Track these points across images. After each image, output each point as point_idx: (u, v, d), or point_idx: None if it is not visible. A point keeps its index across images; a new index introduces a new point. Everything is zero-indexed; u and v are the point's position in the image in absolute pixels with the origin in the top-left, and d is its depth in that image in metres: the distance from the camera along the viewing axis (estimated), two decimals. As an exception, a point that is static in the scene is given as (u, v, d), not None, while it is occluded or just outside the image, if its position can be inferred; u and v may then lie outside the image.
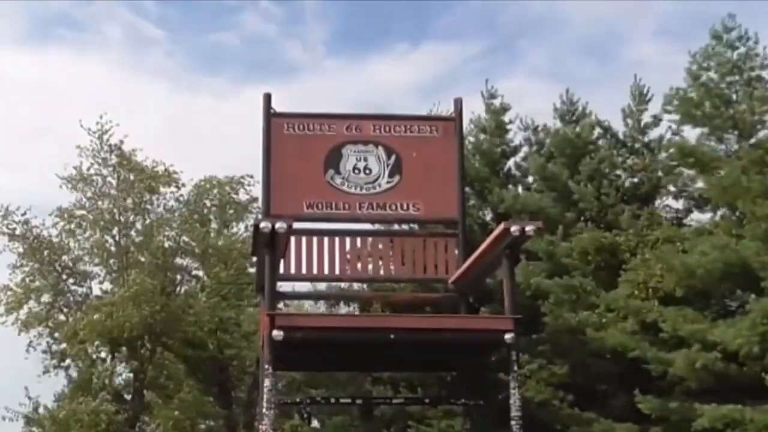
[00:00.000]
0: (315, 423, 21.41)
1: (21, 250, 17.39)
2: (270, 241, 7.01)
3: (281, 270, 8.71)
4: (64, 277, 17.63)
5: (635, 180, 12.15)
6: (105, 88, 32.12)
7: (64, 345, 17.46)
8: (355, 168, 9.73)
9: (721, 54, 10.83)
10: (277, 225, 6.75)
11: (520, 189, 13.12)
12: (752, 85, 10.68)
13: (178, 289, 17.76)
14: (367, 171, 9.75)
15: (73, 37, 34.34)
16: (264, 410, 6.99)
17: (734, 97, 10.86)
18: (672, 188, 11.72)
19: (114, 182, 17.25)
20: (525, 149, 13.70)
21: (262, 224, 6.79)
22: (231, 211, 18.34)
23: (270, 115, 9.69)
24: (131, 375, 17.56)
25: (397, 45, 37.35)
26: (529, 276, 10.58)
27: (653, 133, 12.34)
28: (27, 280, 17.35)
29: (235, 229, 18.44)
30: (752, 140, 10.73)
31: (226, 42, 35.30)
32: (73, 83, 31.91)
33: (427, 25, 34.29)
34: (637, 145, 12.52)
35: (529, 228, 7.10)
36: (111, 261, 17.21)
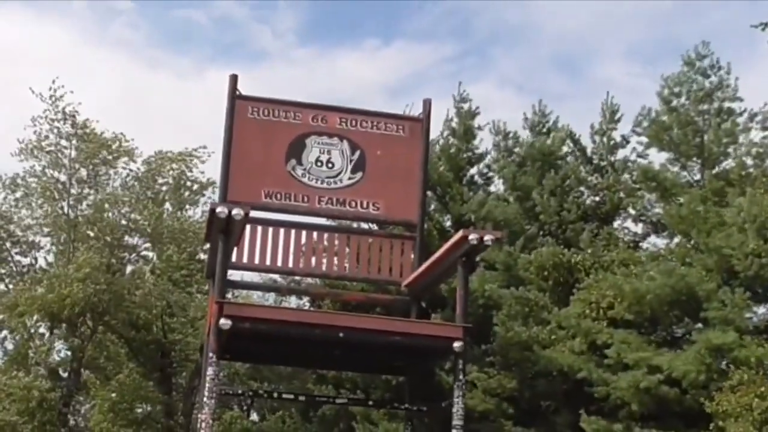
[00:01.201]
0: (254, 416, 21.39)
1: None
2: (225, 227, 6.99)
3: (234, 258, 8.69)
4: (8, 245, 17.37)
5: (597, 198, 12.31)
6: (63, 55, 31.70)
7: (1, 316, 17.17)
8: (317, 160, 9.70)
9: (693, 81, 11.02)
10: (234, 211, 6.73)
11: (482, 194, 13.17)
12: (721, 116, 10.89)
13: (125, 268, 17.56)
14: (330, 165, 9.73)
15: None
16: (205, 399, 6.98)
17: (703, 125, 11.06)
18: (632, 211, 11.89)
19: (68, 152, 17.00)
20: (490, 157, 13.80)
21: (218, 209, 6.76)
22: (187, 193, 18.17)
23: (235, 97, 9.63)
24: (69, 353, 17.33)
25: (368, 40, 37.38)
26: (483, 283, 10.67)
27: (620, 153, 12.54)
28: None
29: (191, 212, 18.28)
30: (715, 170, 10.93)
31: (194, 19, 35.00)
32: (30, 45, 31.41)
33: (400, 23, 34.38)
34: (603, 163, 12.69)
35: (487, 237, 7.16)
36: (58, 232, 16.94)
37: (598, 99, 12.96)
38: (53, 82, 16.68)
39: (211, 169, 18.09)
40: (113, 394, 16.94)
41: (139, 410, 18.40)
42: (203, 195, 18.07)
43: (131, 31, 34.28)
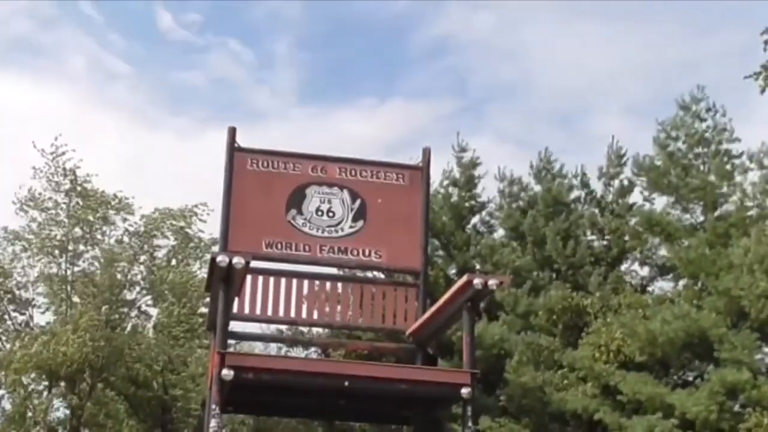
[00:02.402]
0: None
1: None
2: (226, 276, 6.98)
3: (235, 309, 8.66)
4: (5, 302, 17.38)
5: (604, 243, 12.35)
6: (63, 118, 32.07)
7: (-2, 375, 17.11)
8: (318, 210, 9.68)
9: (689, 125, 11.13)
10: (235, 260, 6.72)
11: (495, 237, 13.23)
12: (719, 158, 10.98)
13: (124, 322, 17.56)
14: (331, 214, 9.71)
15: (34, 64, 34.26)
16: None
17: (701, 168, 11.14)
18: (638, 254, 11.94)
19: (66, 208, 17.09)
20: (493, 205, 13.89)
21: (219, 258, 6.75)
22: (191, 245, 18.21)
23: (233, 149, 9.65)
24: (68, 411, 17.23)
25: (366, 99, 37.79)
26: (492, 328, 10.66)
27: (627, 197, 12.60)
28: None
29: (193, 267, 18.30)
30: (717, 212, 10.98)
31: (192, 81, 35.42)
32: (30, 110, 31.76)
33: (396, 82, 34.82)
34: (609, 208, 12.76)
35: (492, 282, 7.14)
36: (55, 289, 16.98)
37: (597, 153, 13.15)
38: (55, 138, 16.89)
39: (212, 226, 18.22)
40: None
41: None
42: (206, 252, 18.15)
43: (129, 94, 34.70)
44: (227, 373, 6.77)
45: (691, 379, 10.06)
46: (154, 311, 17.90)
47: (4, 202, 17.58)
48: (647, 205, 11.46)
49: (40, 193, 17.01)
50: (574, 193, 12.68)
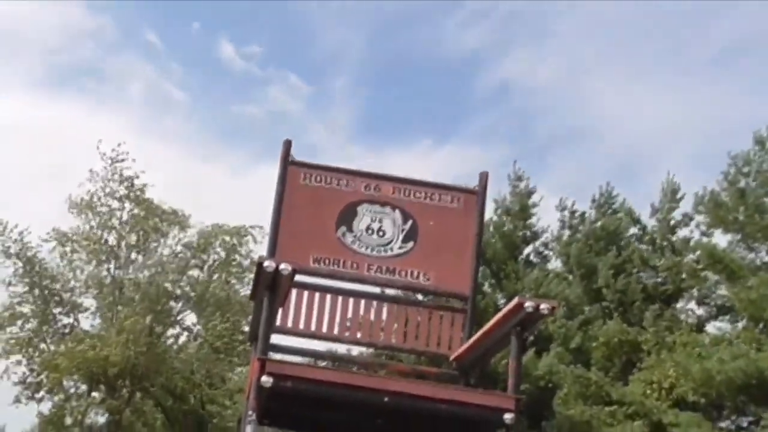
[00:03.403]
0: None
1: (13, 269, 17.39)
2: (272, 283, 6.97)
3: (278, 322, 8.63)
4: (53, 305, 17.57)
5: (659, 280, 12.14)
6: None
7: (41, 377, 17.29)
8: (368, 228, 9.64)
9: (763, 160, 10.88)
10: (282, 266, 6.73)
11: (538, 272, 13.10)
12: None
13: (166, 332, 17.65)
14: (381, 233, 9.67)
15: (94, 89, 34.85)
16: None
17: (771, 206, 10.89)
18: (695, 293, 11.69)
19: (120, 215, 17.30)
20: (547, 235, 13.77)
21: (266, 263, 6.75)
22: (237, 261, 18.29)
23: (287, 162, 9.67)
24: (106, 417, 17.31)
25: (422, 140, 37.84)
26: (541, 360, 10.47)
27: (682, 232, 12.41)
28: (14, 302, 17.29)
29: (238, 286, 18.40)
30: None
31: (249, 114, 35.76)
32: (87, 134, 32.30)
33: (456, 124, 34.78)
34: (664, 243, 12.55)
35: (543, 306, 7.03)
36: (105, 293, 17.13)
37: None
38: (118, 145, 17.15)
39: (264, 249, 18.26)
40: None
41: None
42: (249, 273, 18.24)
43: (185, 123, 35.19)
44: (266, 380, 6.73)
45: (745, 425, 9.77)
46: (195, 326, 17.97)
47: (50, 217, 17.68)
48: (708, 241, 11.24)
49: (97, 197, 17.21)
50: (630, 230, 12.55)
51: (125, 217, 17.35)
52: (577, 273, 12.07)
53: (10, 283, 17.50)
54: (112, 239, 17.35)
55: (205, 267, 17.90)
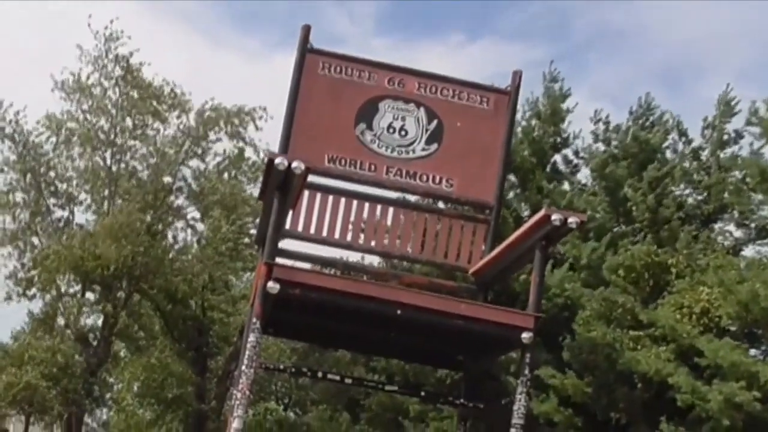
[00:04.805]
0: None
1: (6, 153, 17.47)
2: (283, 182, 6.99)
3: (288, 225, 8.77)
4: (47, 195, 17.76)
5: (700, 198, 12.20)
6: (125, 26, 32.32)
7: (32, 273, 17.60)
8: (390, 126, 9.61)
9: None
10: (294, 164, 6.74)
11: (567, 185, 13.19)
12: None
13: (167, 231, 17.85)
14: (403, 132, 9.64)
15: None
16: (243, 368, 6.94)
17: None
18: (736, 213, 11.77)
19: (114, 97, 17.21)
20: (579, 143, 13.78)
21: (277, 160, 6.75)
22: (244, 162, 18.34)
23: (305, 49, 9.59)
24: (101, 320, 17.69)
25: (453, 35, 37.15)
26: (563, 281, 10.66)
27: (730, 151, 12.39)
28: (6, 189, 17.47)
29: (247, 189, 18.46)
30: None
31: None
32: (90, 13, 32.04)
33: (490, 19, 34.10)
34: (710, 160, 12.57)
35: (572, 219, 7.11)
36: (98, 185, 17.21)
37: (700, 118, 12.80)
38: (111, 21, 17.02)
39: (270, 136, 18.32)
40: (144, 374, 17.23)
41: (170, 394, 18.69)
42: (260, 173, 18.33)
43: (200, 7, 34.80)
44: (273, 286, 6.81)
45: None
46: (197, 223, 18.12)
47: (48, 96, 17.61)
48: (758, 158, 11.22)
49: (88, 78, 17.09)
50: (671, 144, 12.58)
51: (119, 99, 17.28)
52: (606, 188, 12.13)
53: (2, 170, 17.64)
54: (105, 124, 17.31)
55: (212, 162, 17.98)
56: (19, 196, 17.71)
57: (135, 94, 17.11)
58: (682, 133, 12.85)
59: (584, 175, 13.36)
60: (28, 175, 17.31)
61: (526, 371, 7.25)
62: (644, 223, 11.94)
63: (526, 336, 7.16)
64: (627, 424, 10.32)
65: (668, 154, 12.72)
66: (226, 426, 7.89)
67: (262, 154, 18.45)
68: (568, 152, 13.75)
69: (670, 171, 12.22)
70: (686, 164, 12.44)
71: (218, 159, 18.06)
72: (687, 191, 12.38)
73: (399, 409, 11.73)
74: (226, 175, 18.39)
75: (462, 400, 8.64)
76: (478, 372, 9.06)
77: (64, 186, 17.94)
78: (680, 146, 12.86)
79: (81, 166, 17.60)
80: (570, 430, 10.15)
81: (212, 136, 17.90)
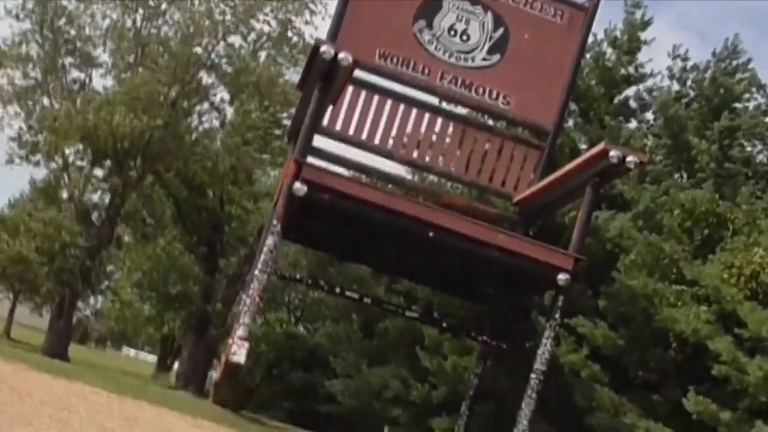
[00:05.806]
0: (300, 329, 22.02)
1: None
2: (326, 73, 6.98)
3: (325, 122, 8.90)
4: (63, 52, 17.74)
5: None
6: None
7: (39, 136, 17.73)
8: (451, 28, 9.56)
9: None
10: (341, 55, 6.71)
11: (634, 123, 13.24)
12: None
13: (192, 110, 17.84)
14: (465, 37, 9.59)
15: None
16: (257, 272, 6.99)
17: None
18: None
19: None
20: (654, 81, 13.76)
21: (323, 48, 6.73)
22: (288, 49, 18.20)
23: (368, -71, 9.56)
24: (107, 199, 17.80)
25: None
26: (610, 222, 10.79)
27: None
28: (18, 39, 17.34)
29: (286, 70, 18.35)
30: None
31: None
32: None
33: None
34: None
35: (631, 158, 7.15)
36: (123, 48, 17.04)
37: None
38: None
39: (321, 33, 18.22)
40: (147, 263, 17.43)
41: (172, 287, 18.97)
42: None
43: None
44: (300, 187, 6.90)
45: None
46: (225, 106, 18.06)
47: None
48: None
49: None
50: (747, 95, 12.53)
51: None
52: (668, 130, 12.14)
53: (17, 17, 17.57)
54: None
55: (250, 38, 17.89)
56: (33, 50, 17.66)
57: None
58: (760, 86, 12.81)
59: (651, 116, 13.38)
60: (45, 27, 17.24)
61: (557, 315, 7.36)
62: (706, 173, 11.99)
63: (562, 278, 7.24)
64: (657, 385, 10.54)
65: (744, 105, 12.72)
66: (229, 333, 8.05)
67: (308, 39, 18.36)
68: (641, 88, 13.76)
69: (746, 124, 12.22)
70: (764, 119, 12.43)
71: (256, 38, 17.92)
72: (758, 148, 12.40)
73: (416, 337, 12.02)
74: (263, 55, 18.30)
75: (485, 337, 8.81)
76: (506, 309, 9.24)
77: (83, 44, 17.87)
78: (759, 99, 12.86)
79: (106, 24, 17.55)
80: (595, 384, 10.39)
81: (260, 20, 17.79)
